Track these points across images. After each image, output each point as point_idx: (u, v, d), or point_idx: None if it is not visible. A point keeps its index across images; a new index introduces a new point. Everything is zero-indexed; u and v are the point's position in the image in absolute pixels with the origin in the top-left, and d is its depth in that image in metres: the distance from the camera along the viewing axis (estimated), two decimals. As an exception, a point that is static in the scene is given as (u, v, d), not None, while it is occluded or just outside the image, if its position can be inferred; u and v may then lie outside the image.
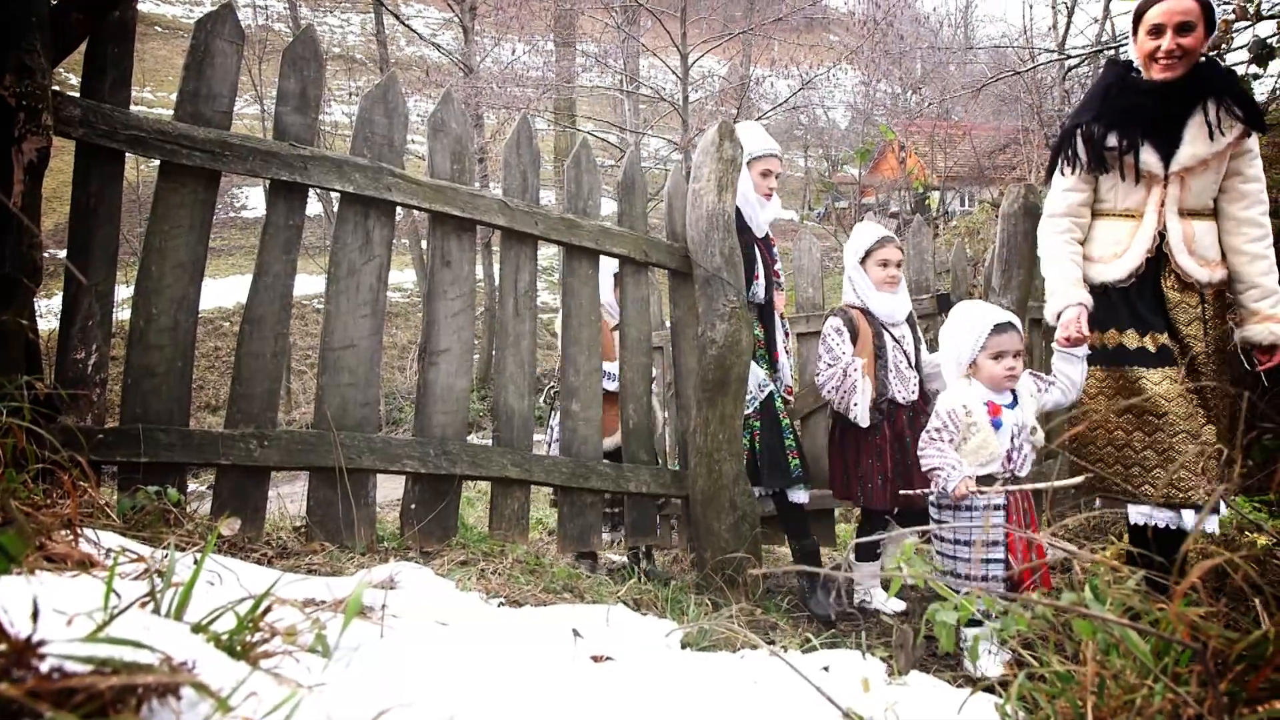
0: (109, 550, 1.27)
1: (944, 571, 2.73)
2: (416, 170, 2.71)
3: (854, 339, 3.39)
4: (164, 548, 1.37)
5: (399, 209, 2.72)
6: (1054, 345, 2.84)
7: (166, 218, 2.31)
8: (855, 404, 3.31)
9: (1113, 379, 2.81)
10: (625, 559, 3.92)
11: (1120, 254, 2.80)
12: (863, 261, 3.48)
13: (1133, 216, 2.81)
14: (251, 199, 23.16)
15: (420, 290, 15.81)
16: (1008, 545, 2.65)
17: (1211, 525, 2.80)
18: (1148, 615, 1.07)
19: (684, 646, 1.76)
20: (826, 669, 1.38)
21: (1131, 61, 2.85)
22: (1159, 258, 2.76)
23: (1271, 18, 4.34)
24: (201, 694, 0.69)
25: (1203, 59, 2.73)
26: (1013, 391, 2.80)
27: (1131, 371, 2.75)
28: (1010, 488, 2.39)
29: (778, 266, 3.68)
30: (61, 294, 2.18)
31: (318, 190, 2.53)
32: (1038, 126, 12.27)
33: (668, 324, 3.96)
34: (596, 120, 17.26)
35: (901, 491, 2.79)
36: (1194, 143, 2.68)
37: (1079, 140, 2.83)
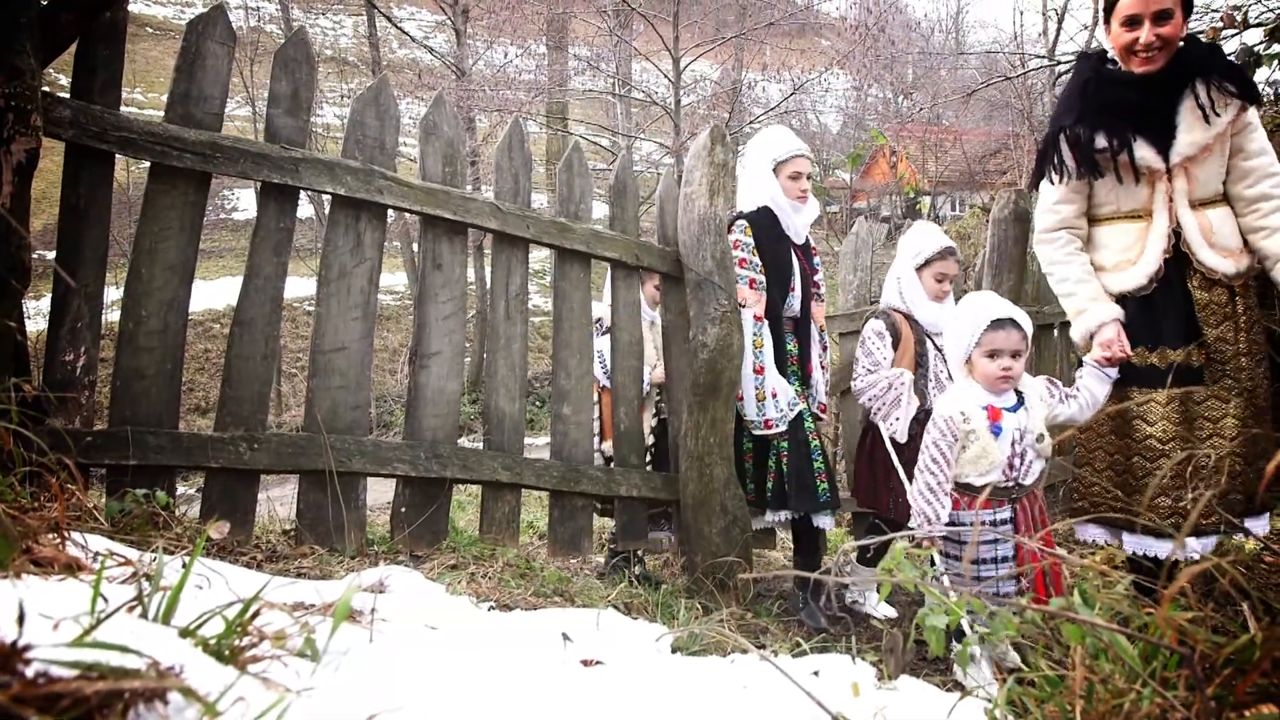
0: (96, 554, 1.26)
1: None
2: (408, 173, 2.71)
3: (895, 344, 3.27)
4: (152, 551, 1.36)
5: (390, 212, 2.71)
6: (1086, 361, 2.61)
7: (157, 220, 2.31)
8: (897, 418, 3.19)
9: (1117, 398, 2.61)
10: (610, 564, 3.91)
11: (1134, 260, 2.58)
12: (919, 268, 3.34)
13: (1140, 217, 2.59)
14: (243, 201, 23.07)
15: (411, 293, 15.79)
16: (1017, 558, 2.49)
17: (1261, 527, 2.53)
18: (1136, 620, 1.08)
19: (674, 651, 1.76)
20: (816, 674, 1.38)
21: (1105, 51, 2.64)
22: (1177, 257, 2.53)
23: (1259, 25, 4.37)
24: (189, 699, 0.68)
25: (1181, 42, 2.51)
26: (1019, 394, 2.60)
27: (1136, 392, 2.56)
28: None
29: (818, 276, 3.57)
30: (50, 295, 2.17)
31: (309, 193, 2.52)
32: (1028, 132, 12.34)
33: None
34: (589, 124, 17.26)
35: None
36: (1190, 129, 2.48)
37: (1064, 145, 2.62)
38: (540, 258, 17.10)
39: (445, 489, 2.75)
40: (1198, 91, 2.47)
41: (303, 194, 2.61)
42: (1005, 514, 2.54)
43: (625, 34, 14.07)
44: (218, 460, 2.34)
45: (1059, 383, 2.67)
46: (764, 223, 3.35)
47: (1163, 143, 2.51)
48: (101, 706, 0.63)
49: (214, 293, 15.59)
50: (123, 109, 2.26)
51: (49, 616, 0.77)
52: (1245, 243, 2.54)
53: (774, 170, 3.39)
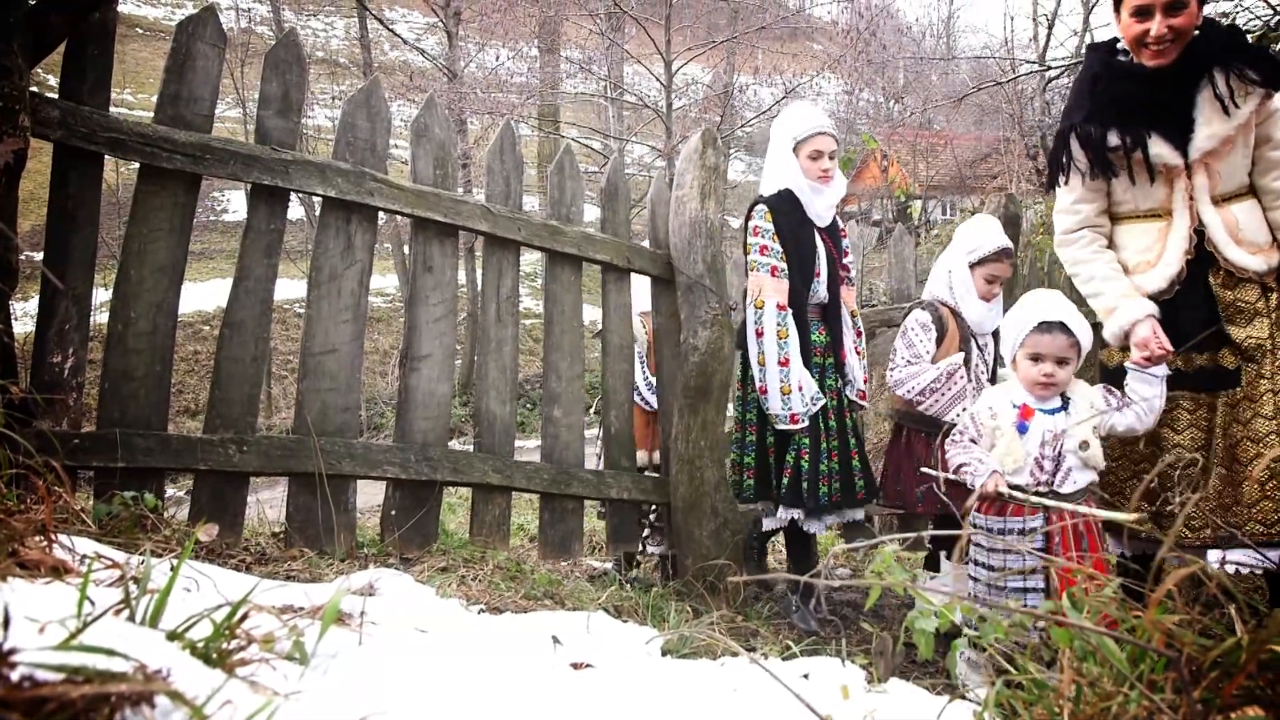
0: (84, 556, 1.25)
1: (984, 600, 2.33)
2: (399, 175, 2.70)
3: (940, 340, 3.07)
4: (140, 554, 1.35)
5: (381, 214, 2.71)
6: (1128, 366, 2.43)
7: (146, 221, 2.30)
8: (963, 408, 2.89)
9: None
10: (608, 565, 3.91)
11: (1154, 261, 2.43)
12: (973, 265, 3.13)
13: (1159, 216, 2.44)
14: (233, 202, 23.00)
15: (402, 295, 15.75)
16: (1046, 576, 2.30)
17: None
18: (1124, 623, 1.08)
19: (664, 654, 1.75)
20: (806, 676, 1.38)
21: (1116, 41, 2.47)
22: (1201, 257, 2.38)
23: (1247, 33, 4.40)
24: (176, 702, 0.68)
25: (1196, 30, 2.34)
26: (1064, 398, 2.43)
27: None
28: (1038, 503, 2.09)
29: (848, 260, 3.42)
30: (38, 297, 2.16)
31: (300, 195, 2.52)
32: (1018, 137, 12.40)
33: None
34: (580, 126, 17.28)
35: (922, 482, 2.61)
36: (1209, 122, 2.31)
37: (1074, 144, 2.47)
38: (531, 260, 17.08)
39: (435, 491, 2.74)
40: (1216, 81, 2.30)
41: (293, 196, 2.61)
42: (1036, 522, 2.37)
43: (617, 37, 14.08)
44: (207, 462, 2.33)
45: (1117, 392, 2.47)
46: (785, 207, 3.20)
47: (1180, 138, 2.35)
48: (88, 710, 0.62)
49: (204, 294, 15.53)
50: (112, 110, 2.25)
51: (35, 620, 0.77)
52: (1275, 237, 2.39)
53: (794, 150, 3.24)
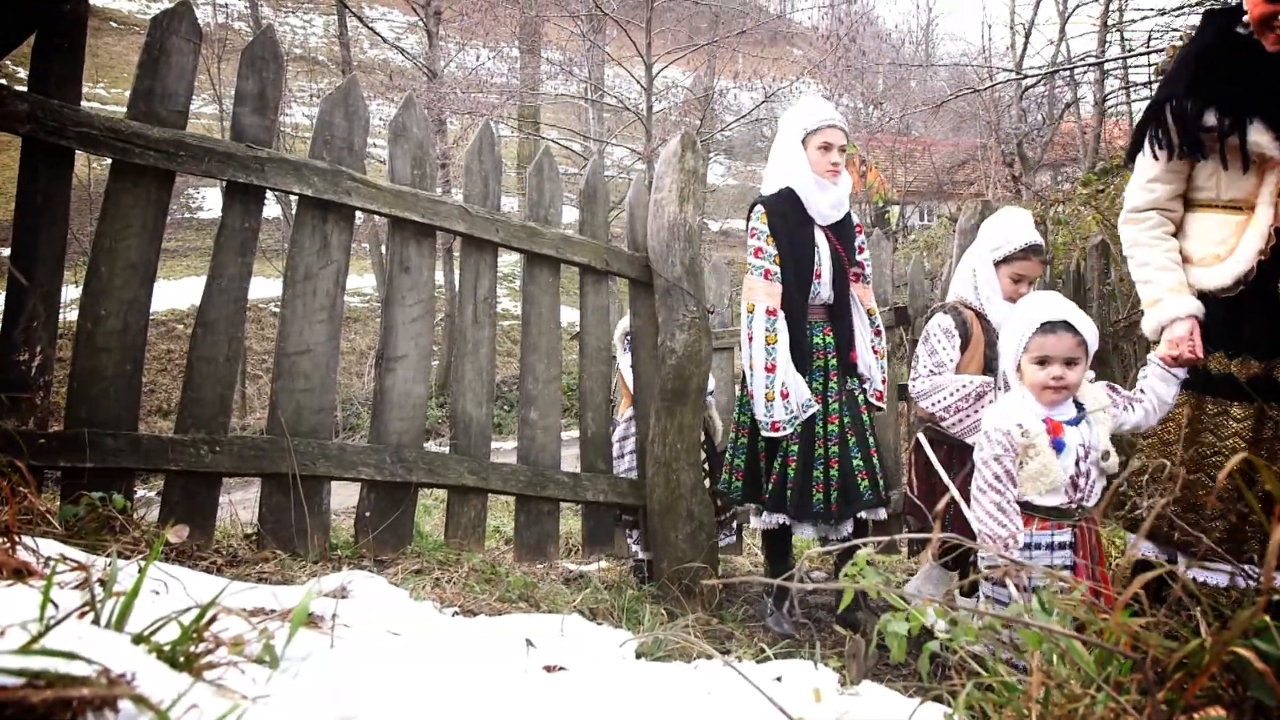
0: (48, 559, 1.24)
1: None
2: (377, 174, 2.69)
3: (964, 345, 2.90)
4: (106, 555, 1.33)
5: (358, 213, 2.69)
6: (1151, 360, 2.36)
7: (118, 218, 2.27)
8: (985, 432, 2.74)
9: (1189, 406, 2.35)
10: (580, 568, 3.89)
11: (1224, 256, 2.30)
12: (998, 263, 2.93)
13: (1240, 209, 2.29)
14: (208, 200, 22.76)
15: (379, 295, 15.66)
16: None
17: None
18: (1092, 626, 1.10)
19: (638, 656, 1.75)
20: (779, 679, 1.38)
21: (1239, 10, 2.26)
22: (1275, 258, 2.24)
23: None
24: (140, 707, 0.67)
25: None
26: (1077, 404, 2.30)
27: (1211, 403, 2.31)
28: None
29: (862, 256, 3.33)
30: (4, 294, 2.12)
31: (276, 193, 2.49)
32: (995, 144, 12.53)
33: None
34: (560, 128, 17.26)
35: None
36: None
37: (1169, 118, 2.29)
38: (509, 262, 17.05)
39: (410, 493, 2.73)
40: None
41: (269, 194, 2.58)
42: (1065, 537, 2.26)
43: (598, 39, 14.10)
44: (178, 463, 2.30)
45: (1119, 388, 2.41)
46: (782, 208, 3.15)
47: None
48: (48, 715, 0.61)
49: (177, 292, 15.37)
50: (84, 104, 2.22)
51: (-4, 622, 0.75)
52: None
53: (803, 141, 3.18)
